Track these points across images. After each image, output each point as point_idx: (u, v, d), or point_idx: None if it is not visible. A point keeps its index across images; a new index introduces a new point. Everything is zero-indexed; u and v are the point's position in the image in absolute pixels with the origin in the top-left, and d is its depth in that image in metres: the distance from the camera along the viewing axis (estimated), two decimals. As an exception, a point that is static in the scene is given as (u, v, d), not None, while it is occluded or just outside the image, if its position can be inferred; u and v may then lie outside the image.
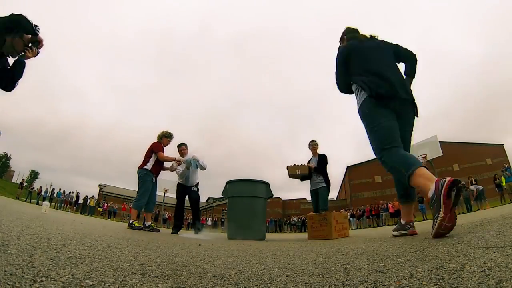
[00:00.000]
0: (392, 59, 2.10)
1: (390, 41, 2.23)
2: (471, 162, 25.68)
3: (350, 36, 2.34)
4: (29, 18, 1.87)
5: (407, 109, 1.94)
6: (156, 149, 4.20)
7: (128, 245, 1.60)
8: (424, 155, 12.06)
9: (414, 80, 2.15)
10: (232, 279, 0.82)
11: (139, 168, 4.11)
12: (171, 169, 4.47)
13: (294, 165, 4.33)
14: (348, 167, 31.55)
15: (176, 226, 4.53)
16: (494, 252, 0.91)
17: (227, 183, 4.23)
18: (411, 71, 2.15)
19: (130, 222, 3.91)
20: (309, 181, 4.50)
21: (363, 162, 30.84)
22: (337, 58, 2.25)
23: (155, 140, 4.41)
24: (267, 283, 0.78)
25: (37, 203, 16.11)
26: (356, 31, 2.40)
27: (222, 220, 24.54)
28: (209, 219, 24.98)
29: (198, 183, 4.76)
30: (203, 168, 4.68)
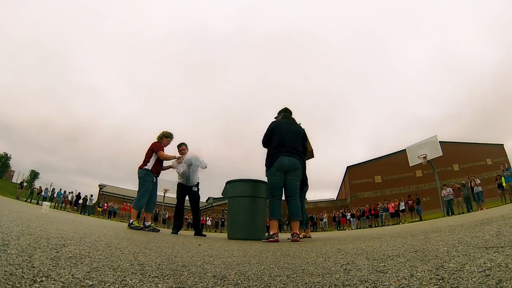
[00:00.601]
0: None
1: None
2: (471, 162, 25.67)
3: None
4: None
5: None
6: (156, 148, 4.20)
7: (128, 245, 1.60)
8: (424, 155, 12.05)
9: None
10: (232, 279, 0.82)
11: (139, 168, 4.11)
12: (173, 165, 4.47)
13: None
14: (348, 167, 31.55)
15: (176, 226, 4.53)
16: (494, 252, 0.91)
17: (227, 183, 4.23)
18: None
19: (130, 222, 3.90)
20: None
21: (363, 162, 30.85)
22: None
23: (156, 140, 4.41)
24: (267, 283, 0.78)
25: (37, 203, 16.12)
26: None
27: (222, 220, 24.52)
28: (209, 219, 24.96)
29: (198, 183, 4.76)
30: (204, 166, 4.67)
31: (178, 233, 4.42)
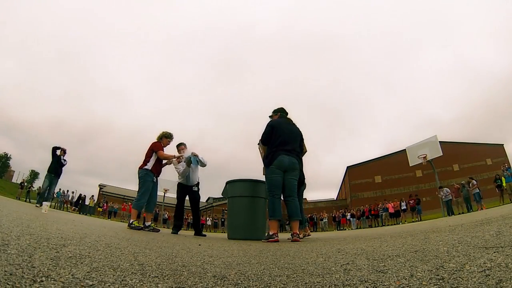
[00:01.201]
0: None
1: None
2: (471, 162, 25.67)
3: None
4: None
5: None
6: (156, 148, 4.21)
7: (128, 245, 1.60)
8: (424, 155, 12.05)
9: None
10: (232, 279, 0.82)
11: (139, 168, 4.11)
12: (173, 163, 4.48)
13: None
14: (348, 167, 31.54)
15: (176, 226, 4.53)
16: (494, 252, 0.91)
17: (227, 183, 4.23)
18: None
19: (130, 222, 3.90)
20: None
21: (363, 162, 30.84)
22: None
23: (159, 141, 4.42)
24: (267, 283, 0.78)
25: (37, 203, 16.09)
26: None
27: (222, 220, 24.52)
28: (209, 219, 24.95)
29: (198, 183, 4.76)
30: (203, 165, 4.65)
31: (178, 233, 4.42)
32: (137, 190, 4.07)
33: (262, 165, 3.70)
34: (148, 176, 4.07)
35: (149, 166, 4.10)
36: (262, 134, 3.33)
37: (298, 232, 2.98)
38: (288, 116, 3.58)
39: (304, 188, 4.41)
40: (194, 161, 4.50)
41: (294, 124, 3.48)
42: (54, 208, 15.94)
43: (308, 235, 4.19)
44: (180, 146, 4.76)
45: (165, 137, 4.44)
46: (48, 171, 7.11)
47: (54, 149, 7.28)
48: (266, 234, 3.00)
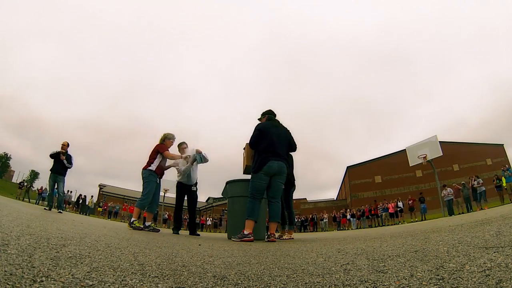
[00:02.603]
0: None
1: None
2: (471, 162, 25.66)
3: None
4: None
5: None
6: (162, 149, 4.26)
7: (128, 245, 1.60)
8: (424, 155, 12.04)
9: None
10: (232, 279, 0.82)
11: (143, 169, 4.15)
12: (180, 164, 4.50)
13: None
14: (348, 167, 31.54)
15: (176, 226, 4.55)
16: (494, 252, 0.91)
17: (227, 183, 4.23)
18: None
19: (131, 220, 3.93)
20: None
21: (363, 162, 30.83)
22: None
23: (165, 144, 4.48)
24: (267, 283, 0.78)
25: (37, 203, 16.11)
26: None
27: (222, 220, 24.53)
28: (209, 219, 24.95)
29: (197, 183, 4.78)
30: (206, 160, 4.65)
31: (179, 233, 4.43)
32: (142, 190, 4.10)
33: (242, 167, 3.79)
34: (152, 176, 4.12)
35: (153, 167, 4.14)
36: (250, 138, 3.29)
37: (274, 233, 3.11)
38: (278, 118, 3.55)
39: (294, 190, 4.41)
40: (199, 158, 4.50)
41: (281, 126, 3.43)
42: (55, 208, 15.93)
43: (290, 238, 4.14)
44: (182, 145, 4.77)
45: (168, 139, 4.47)
46: (50, 170, 6.88)
47: (52, 156, 6.56)
48: (241, 233, 3.06)
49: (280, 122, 3.49)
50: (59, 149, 6.60)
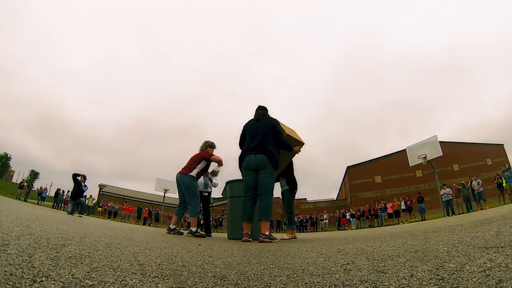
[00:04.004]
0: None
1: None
2: (471, 162, 25.67)
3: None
4: None
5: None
6: (208, 155, 4.30)
7: (128, 245, 1.60)
8: (424, 155, 12.05)
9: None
10: (232, 279, 0.82)
11: (183, 174, 4.12)
12: (215, 169, 4.60)
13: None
14: (348, 167, 31.55)
15: (206, 229, 5.16)
16: (494, 252, 0.91)
17: (227, 183, 4.23)
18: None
19: (194, 230, 3.87)
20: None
21: (363, 162, 30.85)
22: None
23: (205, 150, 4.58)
24: (267, 283, 0.78)
25: (38, 203, 16.11)
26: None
27: (221, 220, 24.51)
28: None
29: (210, 191, 5.48)
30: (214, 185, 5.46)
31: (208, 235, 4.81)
32: (189, 196, 4.08)
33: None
34: (195, 182, 4.16)
35: (194, 173, 4.14)
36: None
37: (264, 233, 2.92)
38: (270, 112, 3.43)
39: (296, 191, 4.38)
40: (213, 177, 5.06)
41: (265, 117, 3.28)
42: (55, 208, 15.94)
43: (294, 237, 4.10)
44: (212, 148, 4.84)
45: (210, 147, 4.55)
46: (70, 197, 8.10)
47: (75, 175, 7.93)
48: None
49: (266, 114, 3.33)
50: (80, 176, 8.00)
